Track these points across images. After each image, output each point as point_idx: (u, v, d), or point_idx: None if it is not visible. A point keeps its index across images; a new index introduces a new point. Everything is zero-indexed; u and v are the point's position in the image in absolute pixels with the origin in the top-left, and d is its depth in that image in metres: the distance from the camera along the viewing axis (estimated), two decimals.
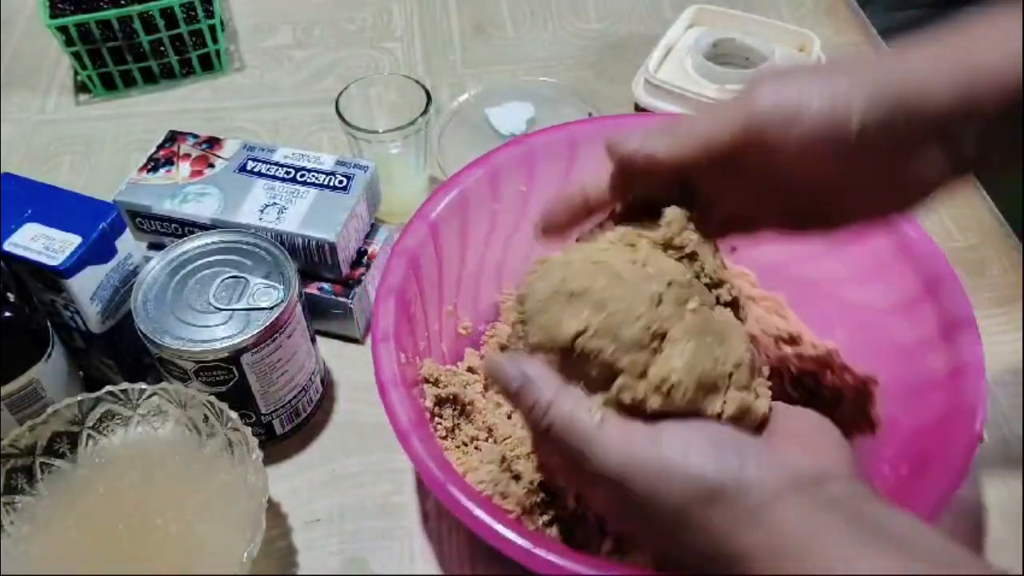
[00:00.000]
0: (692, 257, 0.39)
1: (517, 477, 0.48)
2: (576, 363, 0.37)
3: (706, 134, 0.37)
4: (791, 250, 0.51)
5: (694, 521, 0.34)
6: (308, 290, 0.59)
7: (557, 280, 0.37)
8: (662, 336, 0.36)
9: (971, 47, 0.36)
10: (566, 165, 0.58)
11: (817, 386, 0.53)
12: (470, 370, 0.56)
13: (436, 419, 0.52)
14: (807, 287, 0.56)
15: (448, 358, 0.56)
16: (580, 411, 0.35)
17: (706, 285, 0.40)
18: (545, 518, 0.48)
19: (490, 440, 0.52)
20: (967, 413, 0.43)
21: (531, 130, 0.75)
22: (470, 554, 0.52)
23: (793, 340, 0.55)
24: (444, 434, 0.51)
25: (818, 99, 0.35)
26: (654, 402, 0.36)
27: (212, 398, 0.49)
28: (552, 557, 0.39)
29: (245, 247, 0.53)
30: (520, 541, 0.40)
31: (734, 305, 0.41)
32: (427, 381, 0.52)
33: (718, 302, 0.40)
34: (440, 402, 0.52)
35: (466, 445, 0.52)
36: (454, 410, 0.52)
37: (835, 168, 0.36)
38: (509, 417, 0.53)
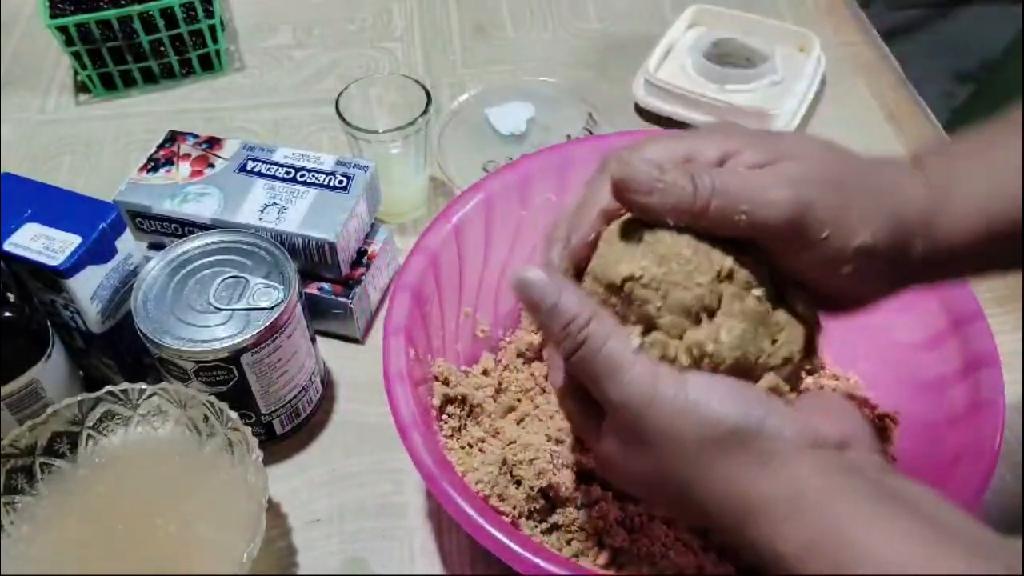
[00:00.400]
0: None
1: (518, 482, 0.48)
2: (618, 303, 0.37)
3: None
4: None
5: (706, 462, 0.34)
6: (308, 290, 0.59)
7: (636, 220, 0.37)
8: (712, 313, 0.36)
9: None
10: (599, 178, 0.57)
11: None
12: (485, 373, 0.56)
13: (443, 418, 0.52)
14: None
15: (463, 359, 0.56)
16: (616, 335, 0.35)
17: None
18: (544, 525, 0.48)
19: (496, 443, 0.52)
20: (982, 452, 0.43)
21: (531, 130, 0.76)
22: (470, 554, 0.52)
23: (814, 370, 0.55)
24: (450, 433, 0.51)
25: (826, 228, 0.35)
26: (684, 360, 0.36)
27: (212, 398, 0.49)
28: (537, 559, 0.39)
29: (245, 247, 0.53)
30: (506, 540, 0.40)
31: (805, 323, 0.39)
32: (437, 379, 0.52)
33: (785, 304, 0.38)
34: (448, 401, 0.52)
35: (471, 446, 0.51)
36: (462, 410, 0.52)
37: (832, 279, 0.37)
38: (519, 423, 0.53)
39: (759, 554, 0.34)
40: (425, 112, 0.64)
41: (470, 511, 0.41)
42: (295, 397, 0.55)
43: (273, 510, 0.53)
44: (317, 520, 0.54)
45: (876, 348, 0.54)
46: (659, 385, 0.34)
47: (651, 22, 0.88)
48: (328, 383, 0.60)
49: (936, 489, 0.44)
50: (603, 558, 0.47)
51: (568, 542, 0.47)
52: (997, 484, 0.54)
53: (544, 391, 0.55)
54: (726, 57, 0.79)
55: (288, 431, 0.57)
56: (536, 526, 0.48)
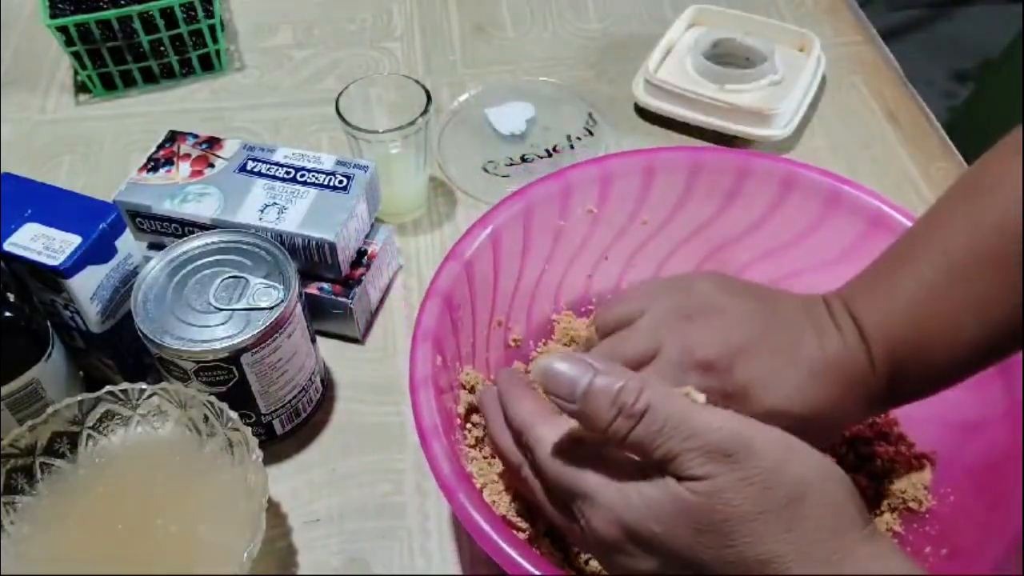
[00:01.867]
0: None
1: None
2: None
3: None
4: None
5: (819, 501, 0.31)
6: (308, 290, 0.59)
7: None
8: None
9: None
10: (639, 193, 0.57)
11: (871, 454, 0.51)
12: None
13: (467, 427, 0.50)
14: None
15: (494, 368, 0.55)
16: (675, 395, 0.32)
17: None
18: (562, 544, 0.48)
19: None
20: (1017, 501, 0.42)
21: (531, 130, 0.76)
22: (470, 555, 0.52)
23: None
24: (473, 442, 0.50)
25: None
26: None
27: (212, 398, 0.49)
28: None
29: (245, 247, 0.53)
30: (519, 558, 0.39)
31: None
32: (464, 387, 0.51)
33: None
34: (473, 410, 0.51)
35: (494, 457, 0.50)
36: None
37: None
38: None
39: None
40: (425, 112, 0.64)
41: (485, 526, 0.40)
42: (295, 397, 0.55)
43: (273, 510, 0.53)
44: (317, 520, 0.54)
45: None
46: (745, 422, 0.31)
47: (651, 22, 0.88)
48: (328, 383, 0.60)
49: (971, 533, 0.43)
50: (595, 561, 0.46)
51: (586, 562, 0.47)
52: None
53: None
54: (726, 57, 0.80)
55: (288, 431, 0.57)
56: (555, 544, 0.47)
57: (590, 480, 0.34)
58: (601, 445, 0.35)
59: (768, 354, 0.40)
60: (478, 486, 0.47)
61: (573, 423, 0.36)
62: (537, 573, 0.38)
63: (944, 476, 0.49)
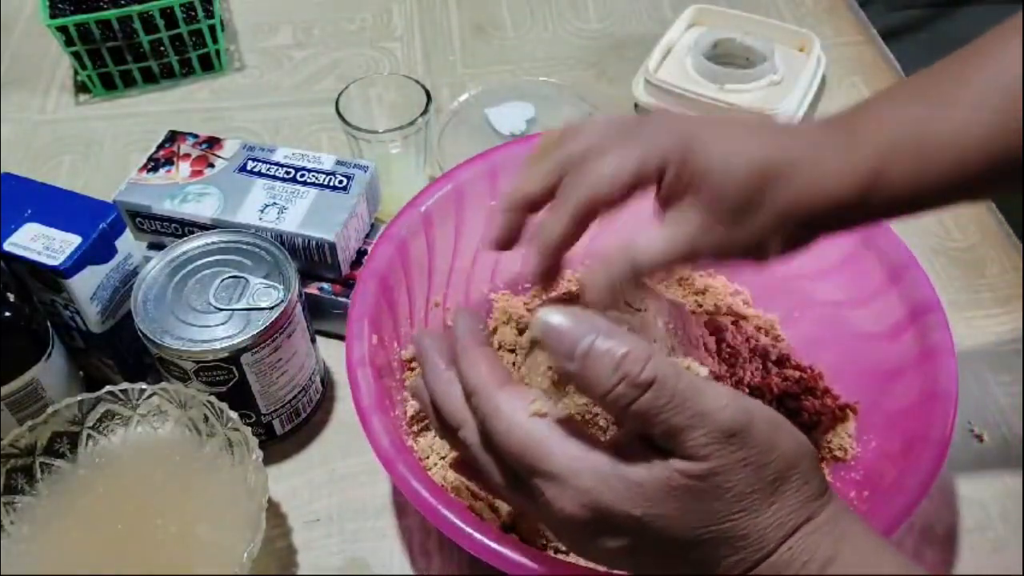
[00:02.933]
0: None
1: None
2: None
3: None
4: (791, 268, 0.52)
5: (799, 476, 0.32)
6: (308, 290, 0.59)
7: None
8: None
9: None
10: None
11: (798, 408, 0.53)
12: None
13: (408, 402, 0.52)
14: (804, 304, 0.57)
15: None
16: (676, 363, 0.31)
17: None
18: (506, 515, 0.48)
19: None
20: (934, 440, 0.44)
21: (531, 130, 0.76)
22: (469, 554, 0.52)
23: (780, 362, 0.56)
24: (414, 413, 0.51)
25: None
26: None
27: (212, 398, 0.49)
28: (487, 540, 0.40)
29: (245, 247, 0.53)
30: (458, 522, 0.40)
31: None
32: (406, 366, 0.52)
33: None
34: None
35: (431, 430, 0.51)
36: None
37: None
38: None
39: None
40: (425, 112, 0.64)
41: (424, 493, 0.41)
42: (295, 397, 0.55)
43: (273, 510, 0.53)
44: (317, 520, 0.54)
45: (839, 340, 0.55)
46: (743, 398, 0.31)
47: (651, 22, 0.88)
48: (328, 383, 0.60)
49: (890, 474, 0.45)
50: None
51: (515, 526, 0.48)
52: (997, 484, 0.54)
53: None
54: (726, 57, 0.79)
55: (288, 431, 0.57)
56: (496, 516, 0.48)
57: (558, 460, 0.32)
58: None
59: (722, 131, 0.39)
60: (422, 460, 0.48)
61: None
62: (475, 534, 0.40)
63: (866, 424, 0.51)
